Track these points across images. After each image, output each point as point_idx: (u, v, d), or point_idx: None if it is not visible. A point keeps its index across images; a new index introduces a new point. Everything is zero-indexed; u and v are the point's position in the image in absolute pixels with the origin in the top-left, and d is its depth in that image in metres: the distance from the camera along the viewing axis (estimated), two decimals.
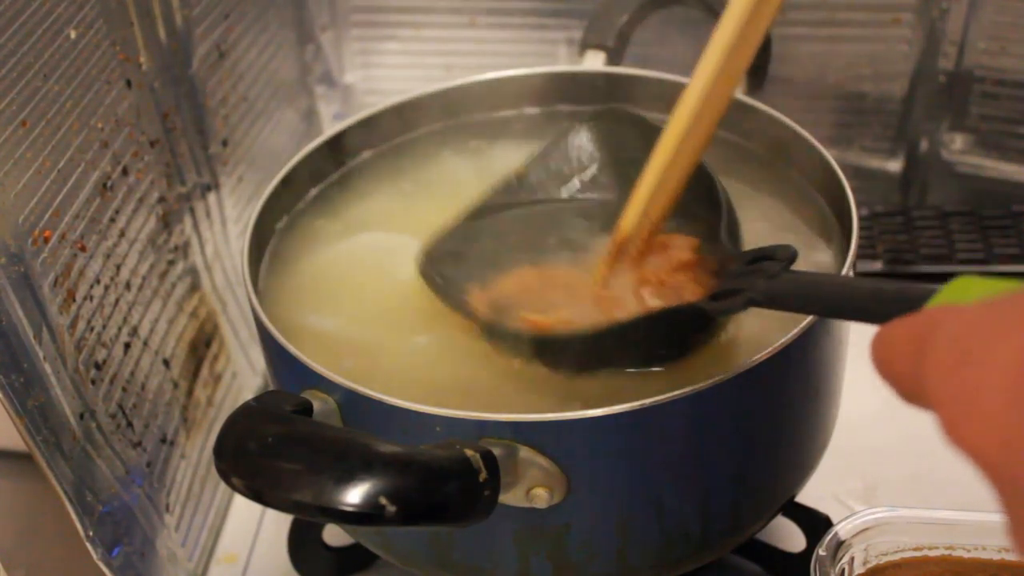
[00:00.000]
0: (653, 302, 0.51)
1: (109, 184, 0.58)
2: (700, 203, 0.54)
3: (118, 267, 0.59)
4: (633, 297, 0.52)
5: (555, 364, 0.51)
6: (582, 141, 0.61)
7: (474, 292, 0.54)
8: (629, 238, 0.53)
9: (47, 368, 0.51)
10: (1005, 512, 0.26)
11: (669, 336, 0.50)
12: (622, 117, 0.61)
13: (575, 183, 0.60)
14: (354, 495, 0.39)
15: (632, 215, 0.53)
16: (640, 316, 0.50)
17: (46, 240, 0.52)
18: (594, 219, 0.58)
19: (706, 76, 0.50)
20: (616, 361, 0.51)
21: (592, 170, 0.61)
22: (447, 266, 0.56)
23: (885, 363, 0.30)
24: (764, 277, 0.44)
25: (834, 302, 0.41)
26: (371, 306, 0.57)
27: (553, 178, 0.61)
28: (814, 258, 0.57)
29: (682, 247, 0.53)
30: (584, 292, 0.54)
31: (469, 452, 0.42)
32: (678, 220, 0.54)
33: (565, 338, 0.51)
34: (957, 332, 0.27)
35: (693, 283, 0.51)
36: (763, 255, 0.46)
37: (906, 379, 0.29)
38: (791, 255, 0.45)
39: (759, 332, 0.52)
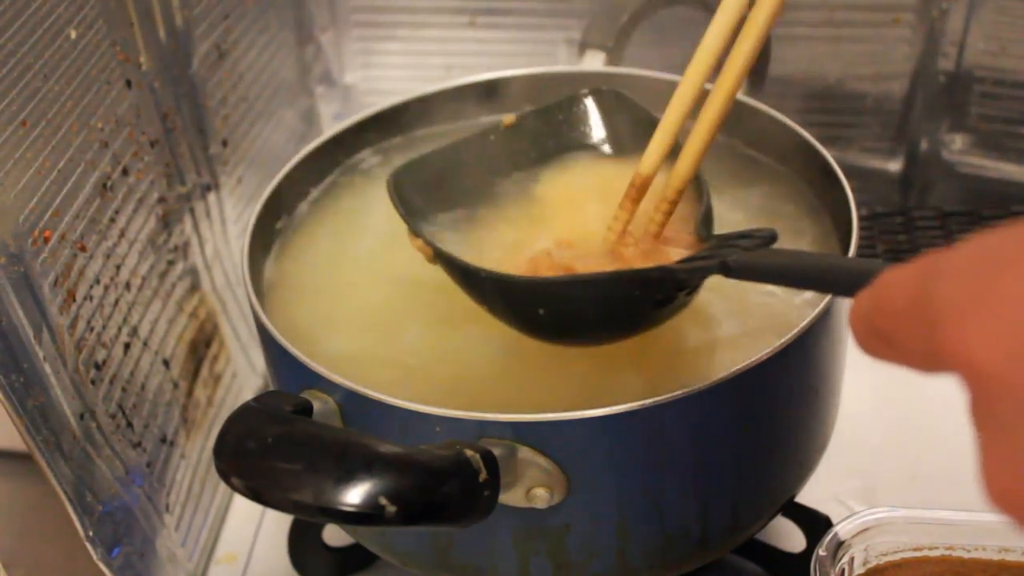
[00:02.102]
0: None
1: (109, 184, 0.58)
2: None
3: (118, 267, 0.59)
4: (648, 255, 0.50)
5: (514, 314, 0.50)
6: (580, 109, 0.60)
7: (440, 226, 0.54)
8: (648, 179, 0.50)
9: (47, 368, 0.51)
10: (1000, 426, 0.25)
11: (634, 302, 0.47)
12: (624, 100, 0.60)
13: (565, 141, 0.60)
14: (354, 495, 0.39)
15: (655, 153, 0.50)
16: (607, 274, 0.48)
17: (46, 240, 0.52)
18: (583, 171, 0.57)
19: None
20: (579, 323, 0.49)
21: (587, 134, 0.60)
22: (418, 193, 0.55)
23: (882, 303, 0.29)
24: (739, 249, 0.44)
25: (804, 274, 0.41)
26: (371, 306, 0.57)
27: (544, 133, 0.60)
28: None
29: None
30: (586, 244, 0.53)
31: (469, 452, 0.42)
32: None
33: (535, 285, 0.49)
34: (971, 252, 0.27)
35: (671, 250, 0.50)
36: (743, 235, 0.45)
37: (906, 313, 0.28)
38: (770, 235, 0.44)
39: (759, 332, 0.52)
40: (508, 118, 0.59)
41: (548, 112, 0.60)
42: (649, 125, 0.52)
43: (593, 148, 0.59)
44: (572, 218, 0.56)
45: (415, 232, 0.52)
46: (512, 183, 0.58)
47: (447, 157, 0.57)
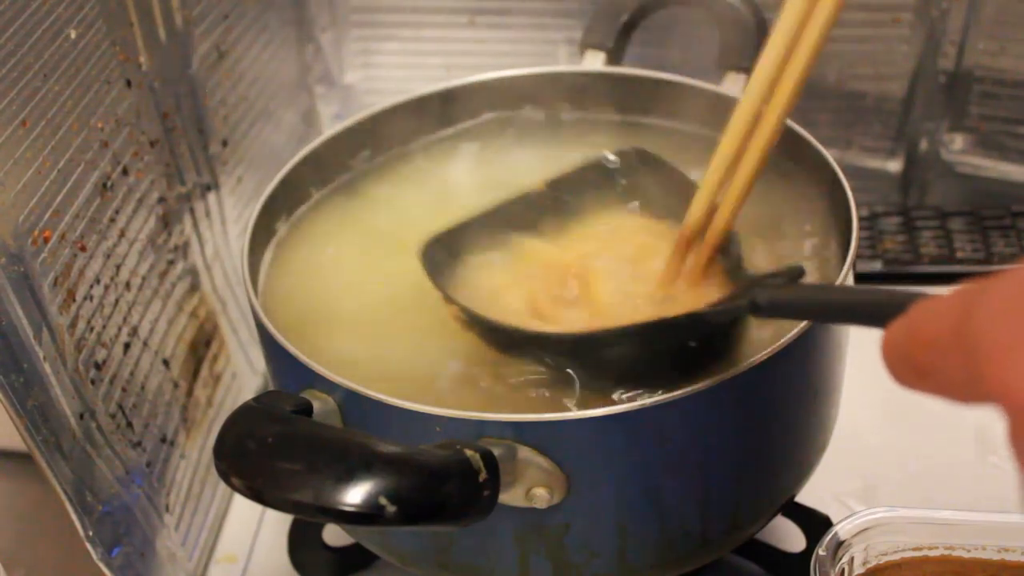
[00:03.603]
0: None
1: (109, 184, 0.58)
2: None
3: (118, 267, 0.59)
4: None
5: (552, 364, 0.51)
6: (605, 172, 0.60)
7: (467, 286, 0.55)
8: (697, 232, 0.52)
9: (47, 368, 0.51)
10: None
11: (668, 347, 0.49)
12: (647, 158, 0.60)
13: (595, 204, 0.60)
14: (354, 495, 0.39)
15: (700, 205, 0.52)
16: (637, 324, 0.49)
17: (46, 240, 0.52)
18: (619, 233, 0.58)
19: (776, 51, 0.48)
20: (613, 373, 0.50)
21: (615, 195, 0.60)
22: (446, 255, 0.56)
23: (919, 334, 0.29)
24: (768, 288, 0.45)
25: (834, 307, 0.42)
26: (371, 306, 0.57)
27: (574, 198, 0.60)
28: (813, 258, 0.57)
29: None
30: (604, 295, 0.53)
31: (469, 452, 0.42)
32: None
33: (566, 339, 0.51)
34: (1013, 286, 0.27)
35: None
36: (772, 274, 0.47)
37: (945, 344, 0.28)
38: (798, 270, 0.46)
39: (758, 332, 0.52)
40: (539, 185, 0.60)
41: (575, 176, 0.60)
42: (673, 177, 0.55)
43: (619, 205, 0.60)
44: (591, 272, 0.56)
45: (449, 299, 0.53)
46: (535, 237, 0.58)
47: (476, 224, 0.58)
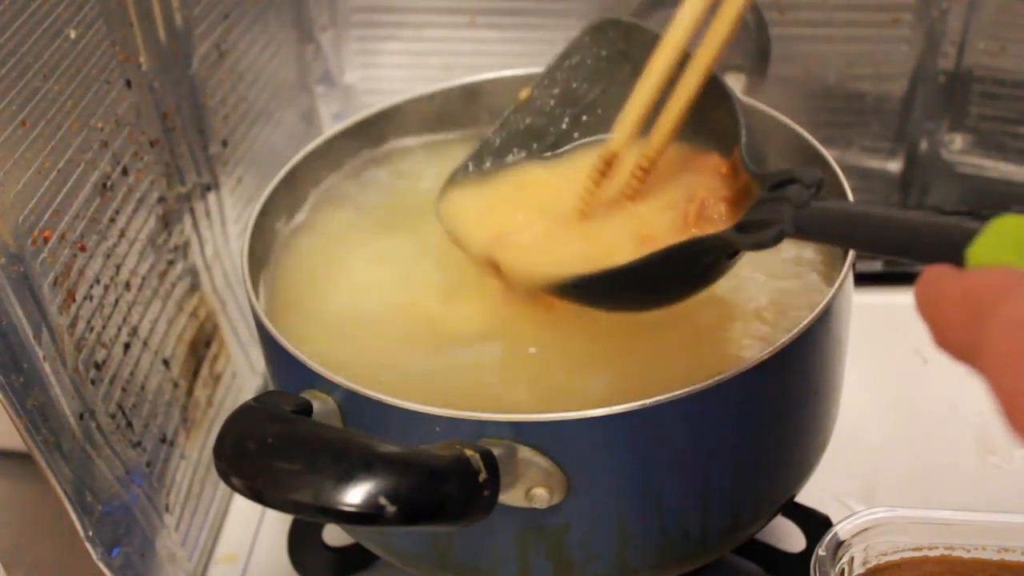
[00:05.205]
0: (673, 235, 0.50)
1: (109, 184, 0.58)
2: (716, 123, 0.53)
3: (118, 267, 0.59)
4: (625, 230, 0.52)
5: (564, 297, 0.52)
6: (582, 59, 0.61)
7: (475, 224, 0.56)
8: (616, 155, 0.53)
9: (47, 368, 0.51)
10: None
11: (688, 270, 0.47)
12: (621, 27, 0.60)
13: (579, 105, 0.61)
14: (354, 495, 0.39)
15: (624, 130, 0.53)
16: (665, 249, 0.47)
17: (46, 240, 0.52)
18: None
19: None
20: (626, 298, 0.50)
21: (595, 90, 0.61)
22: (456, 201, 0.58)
23: (936, 321, 0.31)
24: (792, 206, 0.42)
25: (866, 236, 0.39)
26: (371, 306, 0.57)
27: (558, 102, 0.61)
28: (814, 257, 0.57)
29: (713, 168, 0.52)
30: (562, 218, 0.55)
31: (469, 452, 0.42)
32: (691, 138, 0.54)
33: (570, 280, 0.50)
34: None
35: (722, 209, 0.50)
36: (786, 179, 0.44)
37: (957, 338, 0.30)
38: (817, 180, 0.42)
39: (758, 332, 0.52)
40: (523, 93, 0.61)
41: (551, 77, 0.61)
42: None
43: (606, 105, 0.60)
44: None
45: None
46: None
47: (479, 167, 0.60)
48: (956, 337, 0.30)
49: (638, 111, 0.53)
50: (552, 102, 0.61)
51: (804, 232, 0.41)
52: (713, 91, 0.53)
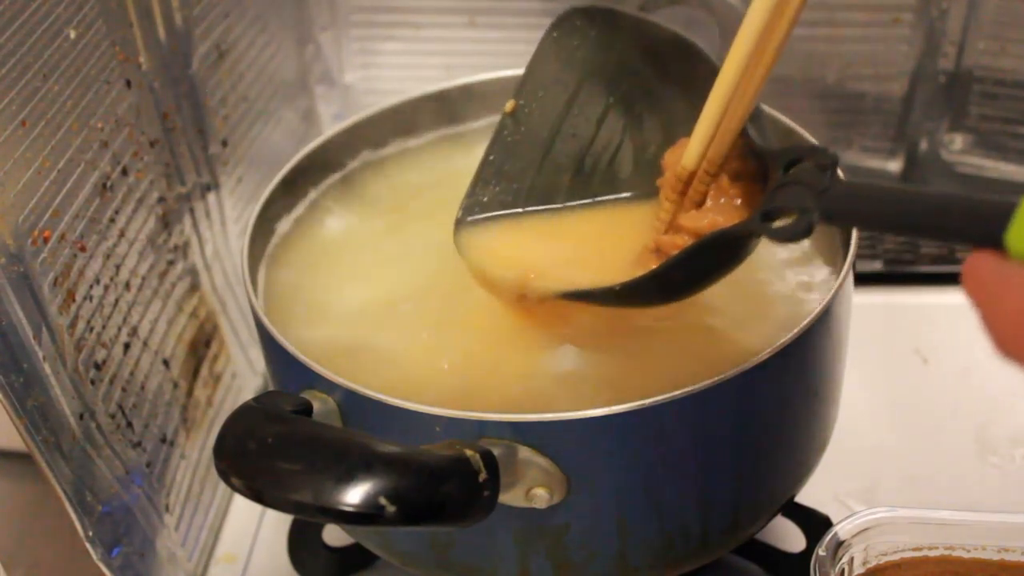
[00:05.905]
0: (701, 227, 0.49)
1: (109, 184, 0.58)
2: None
3: (118, 267, 0.59)
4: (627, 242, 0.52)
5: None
6: (555, 56, 0.60)
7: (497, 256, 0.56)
8: (692, 172, 0.51)
9: (47, 368, 0.51)
10: None
11: (717, 260, 0.47)
12: (588, 14, 0.59)
13: (570, 105, 0.60)
14: (354, 495, 0.39)
15: (698, 147, 0.50)
16: (690, 247, 0.47)
17: (46, 240, 0.52)
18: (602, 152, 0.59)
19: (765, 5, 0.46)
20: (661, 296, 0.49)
21: (582, 88, 0.60)
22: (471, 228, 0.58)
23: (998, 329, 0.32)
24: (813, 192, 0.41)
25: (896, 217, 0.37)
26: (371, 306, 0.57)
27: (547, 106, 0.60)
28: (813, 258, 0.57)
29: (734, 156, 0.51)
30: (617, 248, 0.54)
31: (469, 452, 0.42)
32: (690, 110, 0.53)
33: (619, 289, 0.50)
34: None
35: (743, 196, 0.49)
36: (798, 156, 0.43)
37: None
38: (833, 160, 0.41)
39: (759, 332, 0.52)
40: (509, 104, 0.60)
41: (532, 82, 0.60)
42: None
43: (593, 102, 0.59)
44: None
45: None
46: None
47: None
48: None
49: (709, 126, 0.50)
50: (539, 114, 0.60)
51: (832, 218, 0.40)
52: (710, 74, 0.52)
